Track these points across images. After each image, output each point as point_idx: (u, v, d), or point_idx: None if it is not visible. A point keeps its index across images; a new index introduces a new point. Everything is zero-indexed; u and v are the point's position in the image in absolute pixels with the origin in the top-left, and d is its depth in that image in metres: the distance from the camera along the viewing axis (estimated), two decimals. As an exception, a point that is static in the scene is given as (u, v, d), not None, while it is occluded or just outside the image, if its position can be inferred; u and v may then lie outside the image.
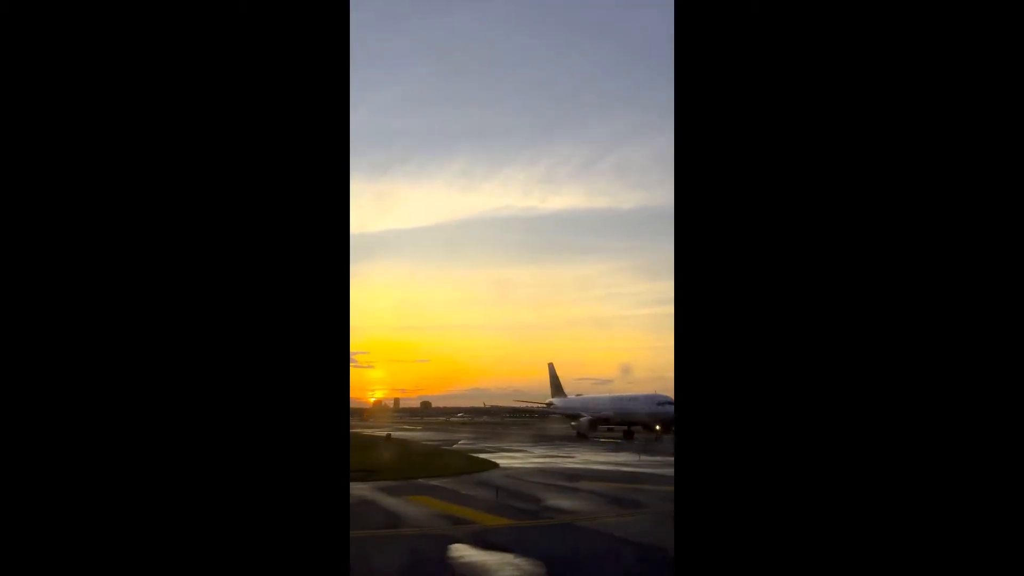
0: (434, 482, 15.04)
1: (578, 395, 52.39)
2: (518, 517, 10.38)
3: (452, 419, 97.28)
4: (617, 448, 30.08)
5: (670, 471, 18.18)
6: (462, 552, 7.66)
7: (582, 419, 42.86)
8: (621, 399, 42.79)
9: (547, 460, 22.59)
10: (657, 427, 38.12)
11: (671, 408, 33.81)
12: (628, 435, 40.04)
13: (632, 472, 18.58)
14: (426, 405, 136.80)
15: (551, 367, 56.55)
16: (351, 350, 2.78)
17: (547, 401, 54.44)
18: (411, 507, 11.33)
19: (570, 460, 22.61)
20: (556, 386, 55.61)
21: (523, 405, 58.38)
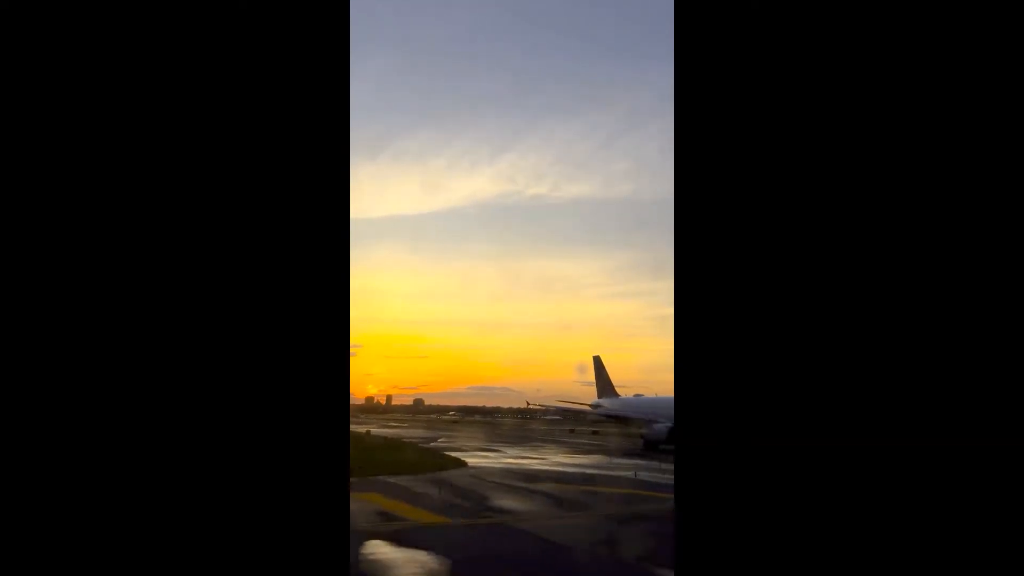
0: (392, 480, 14.99)
1: (637, 395, 41.19)
2: (456, 516, 10.32)
3: (442, 417, 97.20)
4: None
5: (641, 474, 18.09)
6: (374, 549, 7.61)
7: (656, 426, 31.17)
8: None
9: (517, 461, 22.55)
10: None
11: None
12: None
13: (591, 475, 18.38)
14: (419, 402, 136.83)
15: (597, 360, 44.84)
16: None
17: (591, 403, 43.31)
18: (353, 504, 11.28)
19: (539, 462, 22.58)
20: (605, 384, 43.90)
21: (566, 406, 47.00)
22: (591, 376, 45.02)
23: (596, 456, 25.88)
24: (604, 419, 42.40)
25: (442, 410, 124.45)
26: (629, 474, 18.20)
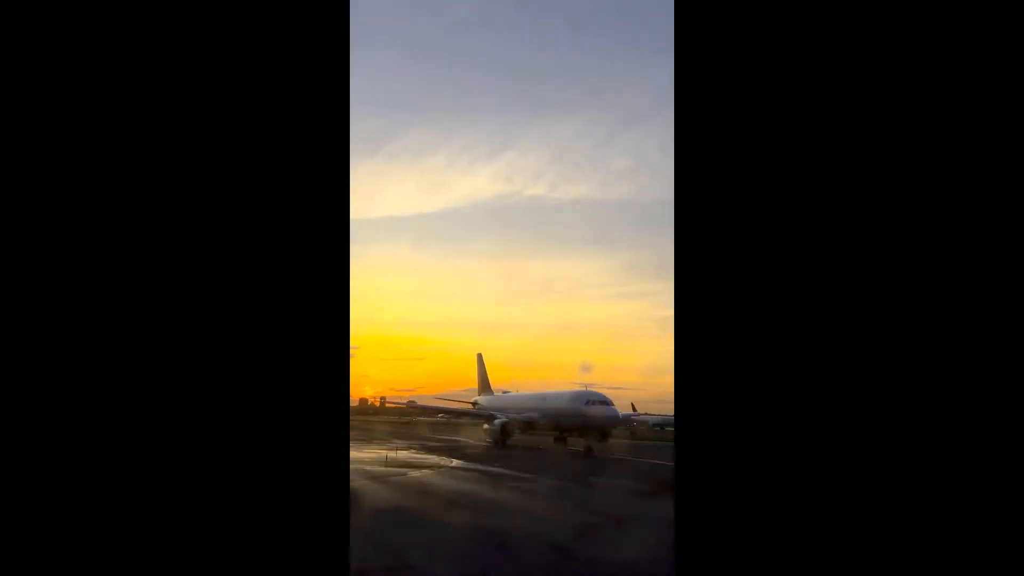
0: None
1: (504, 392, 43.19)
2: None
3: (423, 419, 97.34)
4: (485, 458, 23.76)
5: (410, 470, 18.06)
6: None
7: (496, 422, 32.83)
8: (544, 397, 32.75)
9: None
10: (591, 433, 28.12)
11: (605, 410, 27.53)
12: (560, 442, 31.18)
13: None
14: (412, 404, 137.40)
15: (479, 358, 47.38)
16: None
17: (472, 400, 44.89)
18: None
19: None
20: (483, 382, 46.58)
21: (446, 405, 48.07)
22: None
23: (408, 453, 25.13)
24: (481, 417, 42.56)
25: (434, 412, 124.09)
26: (376, 468, 18.54)
